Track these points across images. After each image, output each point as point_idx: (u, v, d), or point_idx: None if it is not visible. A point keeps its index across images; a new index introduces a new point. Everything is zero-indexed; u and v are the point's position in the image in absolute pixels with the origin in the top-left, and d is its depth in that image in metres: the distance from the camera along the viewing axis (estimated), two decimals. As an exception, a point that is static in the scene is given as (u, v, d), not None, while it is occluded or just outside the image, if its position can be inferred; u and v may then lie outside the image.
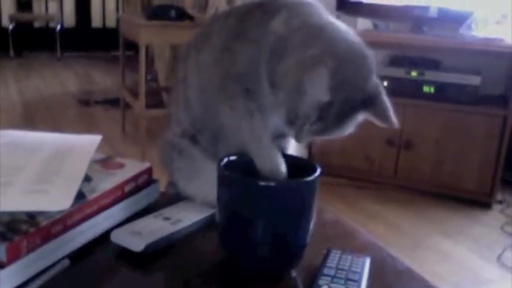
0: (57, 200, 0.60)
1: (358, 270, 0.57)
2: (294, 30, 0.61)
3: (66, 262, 0.59)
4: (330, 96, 0.56)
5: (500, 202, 2.55)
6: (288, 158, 0.62)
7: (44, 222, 0.58)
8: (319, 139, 0.62)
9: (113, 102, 4.05)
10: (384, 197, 2.58)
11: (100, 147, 0.75)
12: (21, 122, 3.60)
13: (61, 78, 5.24)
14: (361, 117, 0.60)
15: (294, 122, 0.60)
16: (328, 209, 0.76)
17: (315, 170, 0.58)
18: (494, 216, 2.46)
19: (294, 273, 0.60)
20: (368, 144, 2.66)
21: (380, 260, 0.64)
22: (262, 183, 0.55)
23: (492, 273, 1.97)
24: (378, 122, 0.60)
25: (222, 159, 0.60)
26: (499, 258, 2.06)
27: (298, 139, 0.62)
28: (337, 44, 0.59)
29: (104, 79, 5.23)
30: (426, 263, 1.96)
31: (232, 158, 0.61)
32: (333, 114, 0.58)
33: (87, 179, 0.67)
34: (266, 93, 0.62)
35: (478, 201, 2.52)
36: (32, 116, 3.82)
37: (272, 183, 0.55)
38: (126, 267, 0.62)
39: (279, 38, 0.61)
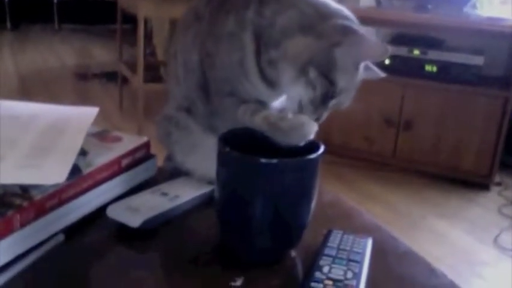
0: (51, 173, 0.59)
1: (360, 250, 0.56)
2: (276, 13, 0.59)
3: (61, 237, 0.58)
4: (361, 60, 0.58)
5: (498, 184, 2.54)
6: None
7: (37, 196, 0.56)
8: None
9: (110, 75, 4.01)
10: (382, 178, 2.57)
11: (97, 123, 0.73)
12: (18, 96, 3.56)
13: (58, 51, 5.17)
14: None
15: (327, 99, 0.58)
16: (327, 189, 0.75)
17: (318, 148, 0.56)
18: (492, 198, 2.45)
19: (293, 254, 0.58)
20: (367, 124, 2.64)
21: (381, 241, 0.63)
22: (263, 160, 0.53)
23: (489, 255, 1.98)
24: (373, 77, 0.63)
25: (222, 135, 0.58)
26: (495, 240, 2.07)
27: (320, 118, 0.60)
28: (342, 13, 0.60)
29: (101, 52, 5.16)
30: (423, 244, 1.95)
31: (233, 133, 0.59)
32: (357, 80, 0.59)
33: (83, 152, 0.65)
34: (257, 86, 0.62)
35: (476, 182, 2.51)
36: (29, 90, 3.78)
37: (274, 160, 0.53)
38: (122, 243, 0.61)
39: (259, 25, 0.60)
